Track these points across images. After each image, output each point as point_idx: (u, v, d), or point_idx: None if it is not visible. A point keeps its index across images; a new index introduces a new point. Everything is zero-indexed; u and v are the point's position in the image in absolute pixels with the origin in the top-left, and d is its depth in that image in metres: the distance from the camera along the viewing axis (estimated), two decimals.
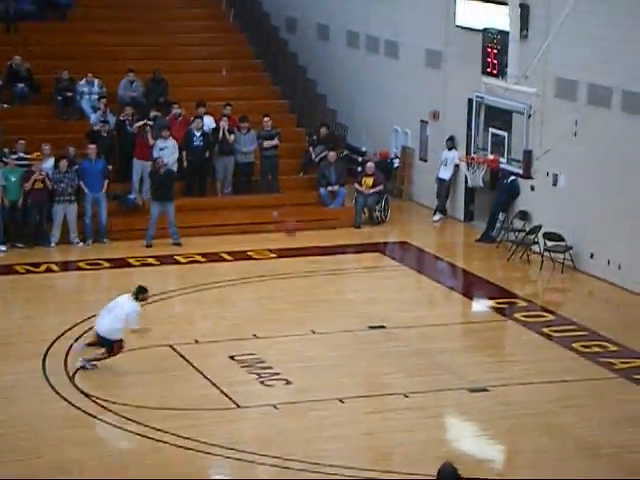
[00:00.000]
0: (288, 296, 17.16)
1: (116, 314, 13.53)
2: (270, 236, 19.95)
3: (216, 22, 25.00)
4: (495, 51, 18.56)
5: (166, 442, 12.02)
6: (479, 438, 12.73)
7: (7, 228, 18.81)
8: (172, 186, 19.53)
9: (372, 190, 21.14)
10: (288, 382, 13.76)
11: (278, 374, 13.94)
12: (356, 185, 21.28)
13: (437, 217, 21.34)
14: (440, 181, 21.38)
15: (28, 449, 11.90)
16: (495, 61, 18.60)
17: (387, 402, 13.36)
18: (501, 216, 19.96)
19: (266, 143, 21.08)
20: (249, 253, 19.15)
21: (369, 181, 21.24)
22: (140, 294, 13.70)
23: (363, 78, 23.81)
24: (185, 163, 20.53)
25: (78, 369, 13.73)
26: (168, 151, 20.11)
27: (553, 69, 18.23)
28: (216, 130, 20.84)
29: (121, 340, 13.66)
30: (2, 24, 22.82)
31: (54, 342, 14.73)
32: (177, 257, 18.84)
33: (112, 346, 13.61)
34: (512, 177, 19.26)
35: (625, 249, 17.26)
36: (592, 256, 18.01)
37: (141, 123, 20.27)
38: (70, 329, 15.13)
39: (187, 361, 14.29)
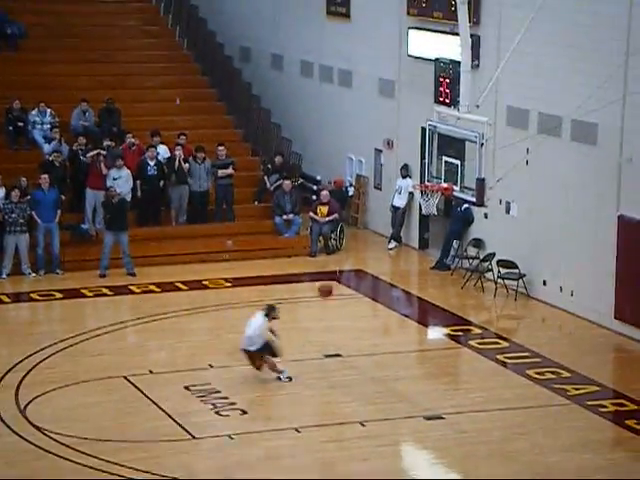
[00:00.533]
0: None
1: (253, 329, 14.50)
2: (225, 265, 19.92)
3: (169, 52, 25.01)
4: (447, 80, 18.81)
5: (122, 475, 11.88)
6: (435, 466, 12.73)
7: None
8: (125, 216, 19.43)
9: (327, 219, 21.20)
10: (244, 412, 13.69)
11: (234, 404, 13.86)
12: (311, 214, 21.33)
13: (392, 245, 21.43)
14: (394, 209, 21.49)
15: None
16: (447, 90, 18.85)
17: (343, 431, 13.33)
18: (455, 244, 20.10)
19: (220, 172, 21.08)
20: (204, 282, 19.07)
21: (324, 210, 21.30)
22: (270, 312, 14.65)
23: (317, 107, 23.93)
24: (139, 192, 20.46)
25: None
26: (122, 181, 20.03)
27: (504, 98, 18.45)
28: (171, 159, 20.80)
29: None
30: None
31: (5, 375, 14.51)
32: (131, 287, 18.72)
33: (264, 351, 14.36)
34: (465, 205, 19.43)
35: (577, 276, 17.44)
36: (545, 283, 18.17)
37: (94, 153, 20.18)
38: (21, 361, 14.92)
39: (141, 392, 14.16)
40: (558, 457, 12.64)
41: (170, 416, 13.43)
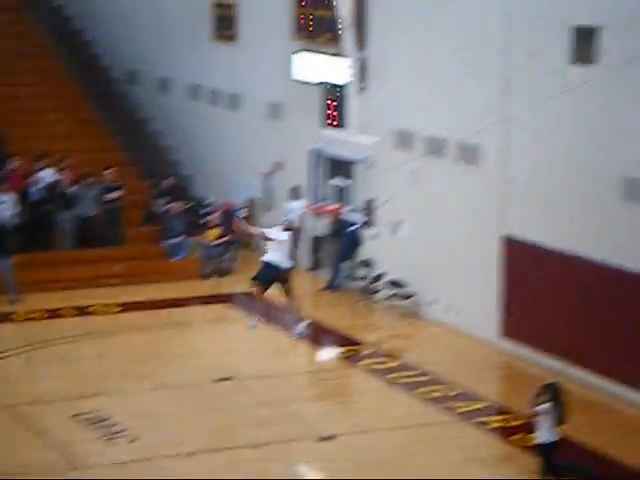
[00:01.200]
0: (134, 350, 16.89)
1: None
2: (114, 290, 19.65)
3: (54, 75, 24.64)
4: (335, 103, 19.04)
5: None
6: None
7: None
8: (10, 241, 19.00)
9: (218, 241, 21.14)
10: (133, 439, 13.50)
11: (124, 430, 13.67)
12: (202, 237, 21.23)
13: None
14: None
15: None
16: (335, 113, 19.08)
17: (236, 455, 13.26)
18: (345, 265, 20.28)
19: (108, 196, 20.83)
20: (93, 308, 18.78)
21: (215, 232, 21.23)
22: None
23: (207, 130, 23.89)
24: (23, 217, 20.05)
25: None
26: (5, 206, 19.59)
27: (391, 121, 18.76)
28: (57, 184, 20.46)
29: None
30: None
31: None
32: (16, 314, 18.29)
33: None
34: (354, 226, 19.65)
35: (464, 295, 17.78)
36: (433, 302, 18.47)
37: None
38: None
39: (26, 422, 13.83)
40: (446, 474, 12.84)
41: (56, 446, 13.15)
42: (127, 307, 18.88)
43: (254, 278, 14.85)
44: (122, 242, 21.05)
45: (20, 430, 13.66)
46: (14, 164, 20.58)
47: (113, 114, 24.37)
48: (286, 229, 14.99)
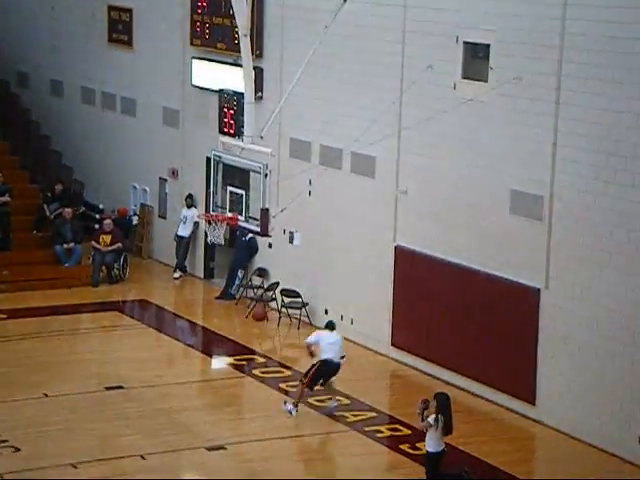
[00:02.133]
0: (19, 358, 16.49)
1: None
2: (0, 296, 19.15)
3: None
4: (231, 111, 18.93)
5: None
6: None
7: None
8: None
9: (110, 248, 20.82)
10: (17, 449, 13.15)
11: (6, 441, 13.30)
12: (93, 242, 20.88)
13: (177, 274, 21.28)
14: (179, 238, 21.37)
15: None
16: (232, 121, 18.97)
17: (123, 465, 13.04)
18: (240, 273, 20.19)
19: None
20: None
21: (107, 238, 20.91)
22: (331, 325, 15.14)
23: (100, 135, 23.52)
24: None
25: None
26: None
27: (287, 130, 18.78)
28: None
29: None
30: None
31: None
32: None
33: None
34: (250, 235, 19.58)
35: (357, 304, 17.89)
36: (327, 312, 18.53)
37: None
38: None
39: None
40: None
41: None
42: (14, 314, 18.41)
43: (310, 379, 14.75)
44: (10, 247, 20.54)
45: None
46: None
47: (2, 117, 23.79)
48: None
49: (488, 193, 15.57)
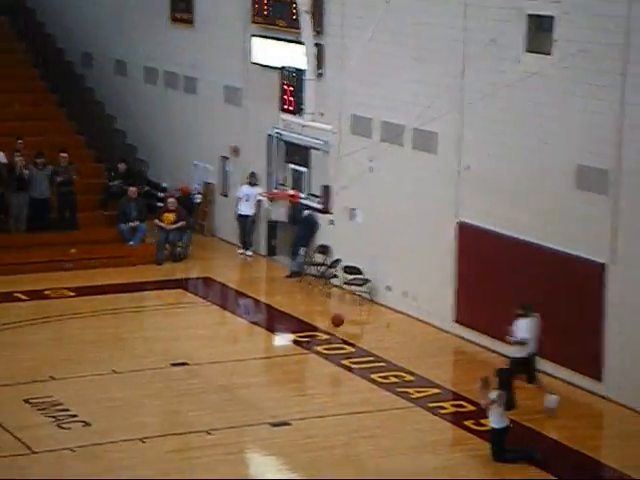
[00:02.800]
0: (87, 335, 16.77)
1: None
2: (68, 274, 19.47)
3: (6, 56, 24.29)
4: (292, 89, 18.93)
5: None
6: (281, 472, 12.79)
7: None
8: None
9: (174, 226, 21.01)
10: (86, 424, 13.40)
11: (75, 416, 13.56)
12: (157, 221, 21.09)
13: (249, 252, 21.32)
14: (243, 217, 21.39)
15: None
16: (292, 98, 18.97)
17: (189, 440, 13.22)
18: (302, 251, 20.24)
19: (62, 178, 20.57)
20: (46, 292, 18.58)
21: (170, 216, 21.10)
22: None
23: (163, 114, 23.70)
24: None
25: None
26: None
27: (348, 107, 18.73)
28: (9, 166, 20.19)
29: None
30: None
31: None
32: None
33: None
34: (307, 211, 19.55)
35: (419, 281, 17.85)
36: (389, 288, 18.52)
37: None
38: None
39: None
40: (401, 459, 12.90)
41: (7, 430, 13.02)
42: (81, 291, 18.71)
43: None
44: (76, 226, 20.84)
45: None
46: None
47: (68, 97, 24.09)
48: None
49: (553, 168, 15.38)
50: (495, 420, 12.39)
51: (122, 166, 22.03)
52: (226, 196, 22.38)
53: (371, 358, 16.11)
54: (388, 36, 17.37)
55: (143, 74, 24.11)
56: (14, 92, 23.13)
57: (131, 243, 20.91)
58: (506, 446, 12.61)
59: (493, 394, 12.22)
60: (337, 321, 17.18)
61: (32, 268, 19.47)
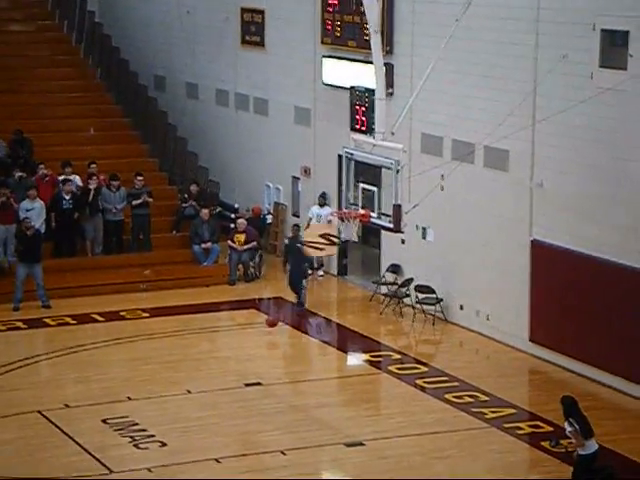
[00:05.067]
0: (162, 356, 16.94)
1: None
2: (143, 295, 19.71)
3: (82, 81, 24.79)
4: (363, 108, 18.98)
5: None
6: None
7: None
8: (39, 247, 19.11)
9: (245, 247, 21.15)
10: (163, 444, 13.53)
11: (152, 436, 13.70)
12: (229, 242, 21.27)
13: (321, 272, 21.38)
14: None
15: None
16: (363, 118, 19.02)
17: (264, 460, 13.25)
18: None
19: (134, 202, 20.84)
20: (121, 313, 18.84)
21: (241, 237, 21.25)
22: None
23: (234, 135, 23.93)
24: (53, 224, 20.15)
25: None
26: (35, 212, 19.68)
27: (419, 125, 18.70)
28: (84, 189, 20.55)
29: None
30: None
31: None
32: (46, 320, 18.39)
33: None
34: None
35: (493, 300, 17.68)
36: (462, 307, 18.39)
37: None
38: None
39: (56, 426, 13.90)
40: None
41: (87, 450, 13.20)
42: (155, 312, 18.93)
43: None
44: (150, 247, 21.11)
45: (51, 435, 13.71)
46: (42, 172, 20.68)
47: (141, 120, 24.47)
48: None
49: (628, 184, 15.14)
50: (579, 447, 12.02)
51: (194, 188, 22.27)
52: (297, 216, 22.48)
53: (445, 378, 15.99)
54: (458, 54, 17.33)
55: (214, 96, 24.39)
56: (89, 117, 23.56)
57: (204, 264, 21.11)
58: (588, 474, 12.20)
59: (566, 424, 11.93)
60: (270, 323, 16.96)
61: (108, 290, 19.76)
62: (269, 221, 22.99)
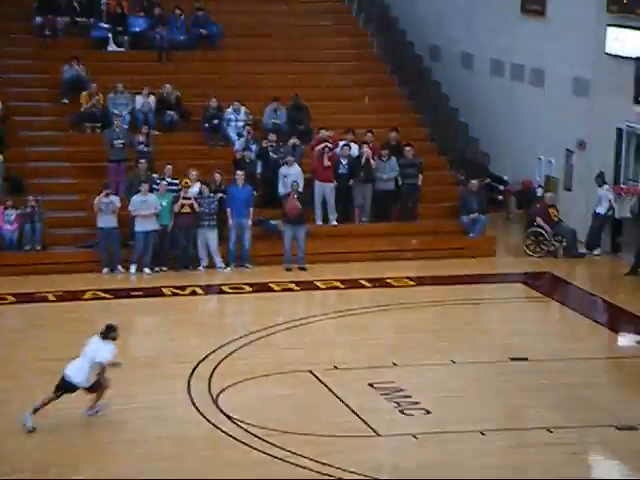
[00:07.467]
0: (427, 324, 17.01)
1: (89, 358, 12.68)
2: (408, 264, 19.85)
3: (360, 51, 25.14)
4: None
5: (305, 467, 12.03)
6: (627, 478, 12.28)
7: (156, 252, 19.26)
8: (304, 211, 19.50)
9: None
10: (427, 412, 13.61)
11: (417, 403, 13.80)
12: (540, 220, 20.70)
13: (597, 252, 20.67)
14: (595, 215, 20.64)
15: (173, 469, 12.08)
16: None
17: (529, 436, 13.04)
18: None
19: (408, 172, 20.86)
20: (388, 280, 19.06)
21: (554, 211, 20.74)
22: (109, 333, 12.82)
23: (507, 106, 23.53)
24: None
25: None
26: (301, 177, 20.06)
27: None
28: (358, 157, 20.89)
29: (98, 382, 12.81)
30: (155, 53, 23.54)
31: (198, 365, 14.91)
32: (317, 283, 18.92)
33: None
34: None
35: None
36: None
37: (321, 146, 20.39)
38: (213, 352, 15.33)
39: (327, 387, 14.31)
40: None
41: (355, 412, 13.50)
42: (421, 281, 19.01)
43: None
44: (416, 217, 21.15)
45: (321, 394, 14.11)
46: (325, 133, 20.83)
47: (415, 90, 24.53)
48: None
49: None
50: None
51: (467, 159, 22.04)
52: (569, 190, 21.83)
53: None
54: None
55: (489, 66, 24.06)
56: (366, 86, 23.84)
57: (471, 235, 20.96)
58: None
59: None
60: (293, 209, 15.93)
61: (374, 257, 20.04)
62: (539, 194, 22.47)
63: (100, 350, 12.73)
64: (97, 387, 12.91)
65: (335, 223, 20.60)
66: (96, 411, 13.07)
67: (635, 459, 12.47)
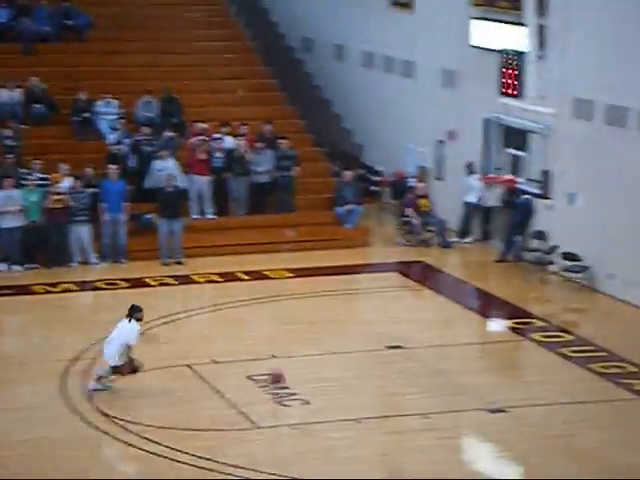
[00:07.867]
0: (305, 316, 17.15)
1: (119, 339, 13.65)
2: (286, 256, 19.96)
3: (232, 43, 25.10)
4: (512, 72, 18.63)
5: (183, 462, 11.99)
6: (498, 460, 12.65)
7: (26, 248, 18.86)
8: (180, 205, 19.50)
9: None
10: (306, 402, 13.74)
11: (295, 394, 13.91)
12: (410, 210, 21.05)
13: (468, 239, 21.18)
14: (467, 205, 21.13)
15: (47, 470, 11.91)
16: (512, 81, 18.67)
17: (404, 423, 13.30)
18: (518, 236, 19.89)
19: (282, 163, 20.97)
20: (265, 273, 19.13)
21: (426, 202, 21.12)
22: (134, 313, 13.75)
23: (379, 98, 23.86)
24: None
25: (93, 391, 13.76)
26: (167, 172, 19.99)
27: (570, 89, 18.22)
28: (234, 151, 20.86)
29: (123, 365, 13.64)
30: (19, 45, 22.96)
31: (72, 362, 14.71)
32: (194, 277, 18.86)
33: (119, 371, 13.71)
34: (525, 196, 19.22)
35: None
36: (610, 276, 17.94)
37: (195, 139, 20.21)
38: (88, 349, 15.13)
39: (205, 381, 14.28)
40: (623, 453, 12.48)
41: (233, 405, 13.52)
42: (298, 273, 19.14)
43: None
44: (293, 209, 21.30)
45: (199, 388, 14.09)
46: (201, 126, 20.83)
47: (288, 81, 24.63)
48: None
49: None
50: None
51: (338, 150, 22.26)
52: (441, 180, 22.30)
53: (590, 347, 15.67)
54: (614, 14, 16.78)
55: (361, 58, 24.35)
56: (238, 78, 23.84)
57: (347, 226, 21.20)
58: None
59: None
60: (275, 379, 14.16)
61: (250, 249, 20.07)
62: (411, 184, 22.86)
63: (132, 331, 13.51)
64: (122, 368, 13.52)
65: (212, 216, 20.57)
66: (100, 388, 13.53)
67: (506, 441, 12.85)
